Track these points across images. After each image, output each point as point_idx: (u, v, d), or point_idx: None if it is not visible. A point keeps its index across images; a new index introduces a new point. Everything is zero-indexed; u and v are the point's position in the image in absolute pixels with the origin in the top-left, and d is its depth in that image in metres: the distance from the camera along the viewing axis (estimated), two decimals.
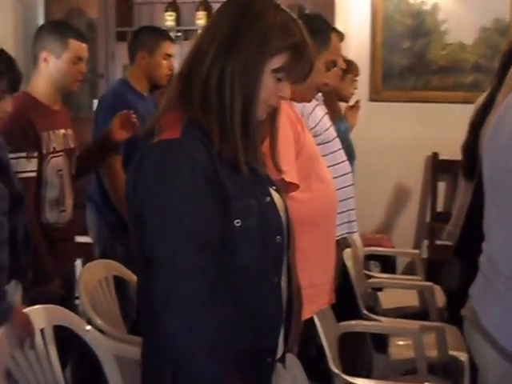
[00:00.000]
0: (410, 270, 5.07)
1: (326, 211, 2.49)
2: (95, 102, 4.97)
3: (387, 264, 4.87)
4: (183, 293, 1.49)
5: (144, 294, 1.63)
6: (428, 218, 5.50)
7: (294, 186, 2.22)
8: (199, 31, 4.96)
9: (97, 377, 2.77)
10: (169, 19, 5.04)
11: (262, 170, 1.69)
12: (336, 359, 2.74)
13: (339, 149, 2.99)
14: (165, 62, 3.60)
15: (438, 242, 5.15)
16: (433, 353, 3.06)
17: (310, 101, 2.67)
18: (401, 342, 3.32)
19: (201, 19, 5.00)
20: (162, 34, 3.70)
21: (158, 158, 1.52)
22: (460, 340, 2.99)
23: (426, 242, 5.43)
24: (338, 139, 3.01)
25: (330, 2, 4.84)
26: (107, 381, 2.53)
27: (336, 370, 2.63)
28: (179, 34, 4.95)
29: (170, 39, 3.71)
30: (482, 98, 3.24)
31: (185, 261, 1.49)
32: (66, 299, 2.88)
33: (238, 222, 1.55)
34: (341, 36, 3.64)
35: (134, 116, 3.13)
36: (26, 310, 2.38)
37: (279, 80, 1.59)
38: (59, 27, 3.07)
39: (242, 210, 1.56)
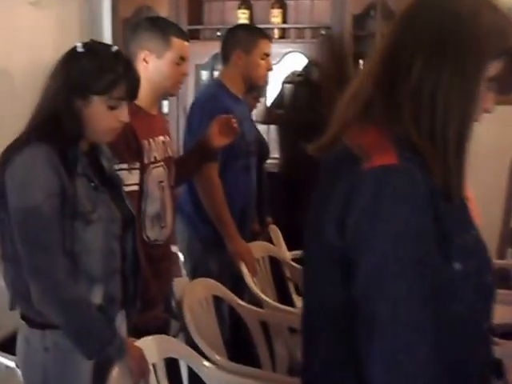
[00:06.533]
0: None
1: None
2: (165, 103, 4.77)
3: None
4: (408, 352, 1.23)
5: (333, 347, 1.37)
6: None
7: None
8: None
9: None
10: (242, 17, 4.78)
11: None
12: None
13: None
14: (263, 61, 3.31)
15: None
16: None
17: None
18: None
19: (276, 17, 4.75)
20: (259, 32, 3.39)
21: (376, 190, 1.25)
22: None
23: (510, 251, 5.08)
24: None
25: None
26: None
27: None
28: None
29: (268, 38, 3.41)
30: None
31: (410, 317, 1.24)
32: (168, 322, 2.64)
33: (457, 264, 1.30)
34: None
35: (234, 120, 2.88)
36: (138, 343, 2.16)
37: (489, 91, 1.33)
38: (159, 24, 2.74)
39: (461, 248, 1.31)
